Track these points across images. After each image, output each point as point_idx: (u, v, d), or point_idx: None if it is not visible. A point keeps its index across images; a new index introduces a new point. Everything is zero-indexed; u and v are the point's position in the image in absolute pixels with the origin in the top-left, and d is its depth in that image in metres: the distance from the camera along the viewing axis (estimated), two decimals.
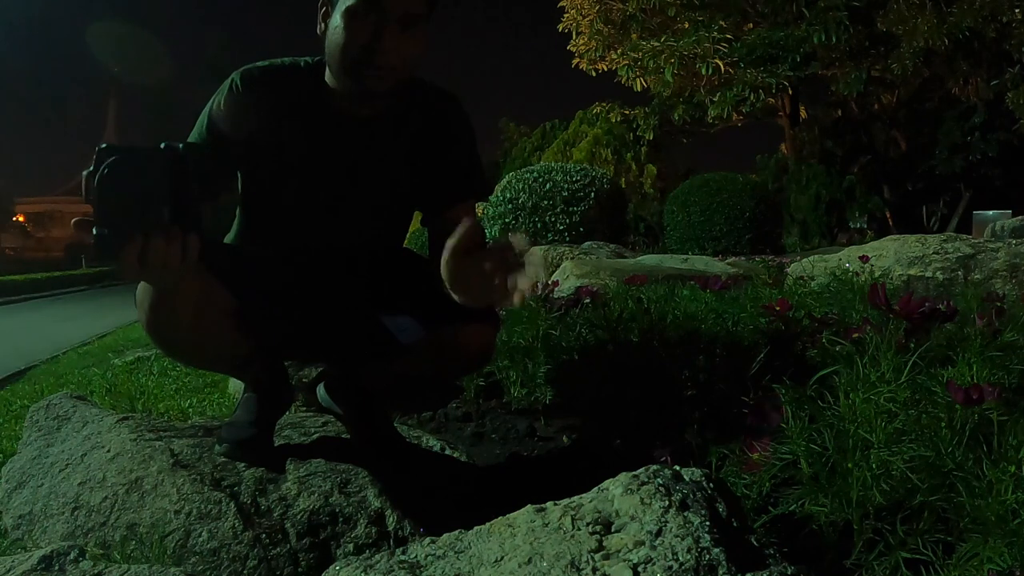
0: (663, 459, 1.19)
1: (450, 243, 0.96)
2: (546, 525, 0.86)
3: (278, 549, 1.10)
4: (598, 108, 19.23)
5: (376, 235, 1.44)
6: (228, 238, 1.44)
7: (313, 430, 1.52)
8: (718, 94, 13.70)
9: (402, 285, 1.41)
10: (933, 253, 3.08)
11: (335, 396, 1.48)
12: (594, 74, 16.79)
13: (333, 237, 1.38)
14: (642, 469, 0.95)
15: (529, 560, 0.81)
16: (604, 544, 0.82)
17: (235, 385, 2.38)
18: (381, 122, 1.32)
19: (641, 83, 15.26)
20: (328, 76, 1.27)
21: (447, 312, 1.20)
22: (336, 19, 1.19)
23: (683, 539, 0.81)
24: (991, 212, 10.71)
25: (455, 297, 1.01)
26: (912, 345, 0.96)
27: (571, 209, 9.18)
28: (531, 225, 9.02)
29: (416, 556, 0.88)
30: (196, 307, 1.17)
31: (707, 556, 0.79)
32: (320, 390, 1.52)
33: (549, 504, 0.91)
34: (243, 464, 1.29)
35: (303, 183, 1.32)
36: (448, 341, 1.33)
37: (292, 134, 1.28)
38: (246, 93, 1.26)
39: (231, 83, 1.26)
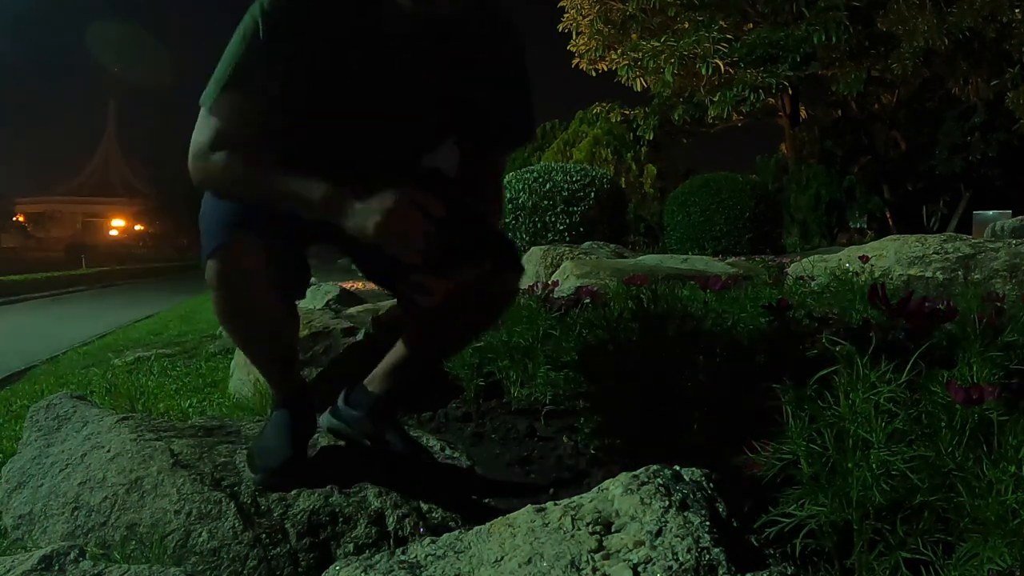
0: (663, 459, 1.18)
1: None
2: (546, 525, 0.86)
3: (278, 549, 1.10)
4: (598, 108, 19.25)
5: (414, 149, 1.38)
6: None
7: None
8: (718, 94, 13.70)
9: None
10: (933, 253, 3.08)
11: (350, 405, 1.42)
12: (594, 74, 16.80)
13: (372, 147, 1.31)
14: (642, 469, 0.95)
15: (529, 560, 0.81)
16: (604, 544, 0.82)
17: (235, 385, 2.38)
18: (437, 35, 1.23)
19: (641, 83, 15.28)
20: None
21: (473, 244, 1.22)
22: None
23: (683, 539, 0.81)
24: (991, 212, 10.72)
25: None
26: (912, 345, 0.96)
27: (571, 209, 9.19)
28: (531, 225, 9.02)
29: (416, 556, 0.88)
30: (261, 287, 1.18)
31: (707, 556, 0.79)
32: (324, 418, 1.46)
33: (549, 504, 0.91)
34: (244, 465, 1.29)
35: (347, 85, 1.23)
36: (479, 279, 1.26)
37: (344, 40, 1.19)
38: None
39: None
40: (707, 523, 0.84)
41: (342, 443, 1.47)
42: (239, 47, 1.16)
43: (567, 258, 4.76)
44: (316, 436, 1.47)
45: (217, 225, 1.18)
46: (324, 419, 1.46)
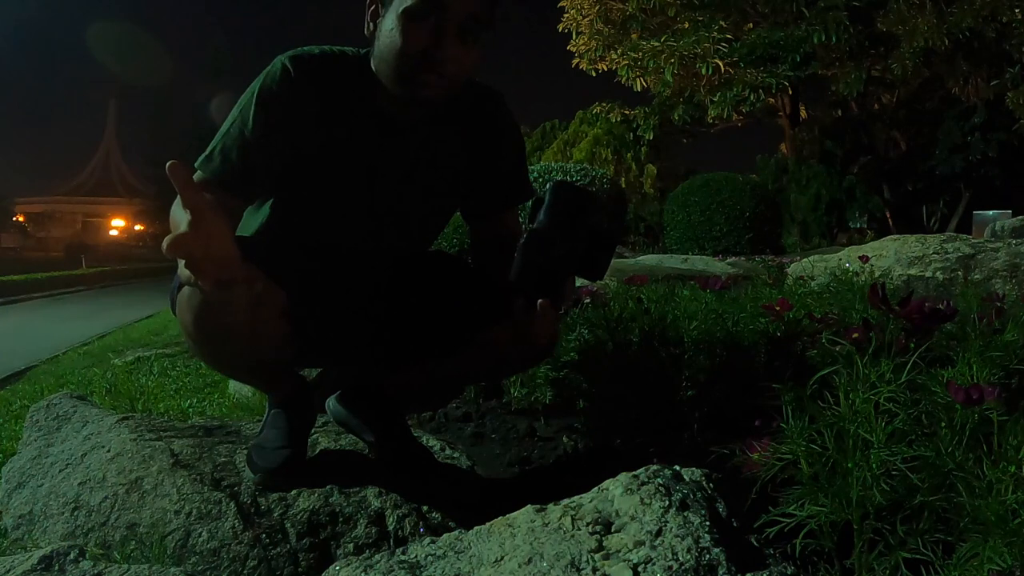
0: (663, 459, 1.18)
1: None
2: (546, 525, 0.86)
3: (278, 549, 1.10)
4: (598, 108, 19.23)
5: (416, 237, 1.39)
6: (248, 231, 1.31)
7: (313, 431, 1.52)
8: (718, 94, 13.70)
9: (445, 286, 1.33)
10: (933, 253, 3.09)
11: (355, 407, 1.38)
12: (594, 74, 16.77)
13: (373, 238, 1.31)
14: (642, 469, 0.95)
15: (529, 560, 0.81)
16: (604, 544, 0.82)
17: (235, 385, 2.38)
18: (429, 124, 1.25)
19: (641, 83, 15.26)
20: (376, 73, 1.19)
21: (502, 307, 1.18)
22: (390, 21, 1.11)
23: (683, 539, 0.81)
24: (991, 212, 10.72)
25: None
26: (912, 345, 0.96)
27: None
28: None
29: (416, 556, 0.88)
30: (253, 308, 1.04)
31: (707, 556, 0.79)
32: (331, 403, 1.43)
33: (549, 504, 0.91)
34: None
35: (345, 182, 1.24)
36: (510, 335, 1.22)
37: (339, 130, 1.20)
38: (300, 79, 1.15)
39: (282, 68, 1.16)
40: (707, 523, 0.84)
41: (342, 443, 1.47)
42: (234, 118, 1.17)
43: None
44: (316, 436, 1.47)
45: None
46: (331, 403, 1.43)
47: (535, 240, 1.10)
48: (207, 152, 1.17)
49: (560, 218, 1.11)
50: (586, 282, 1.58)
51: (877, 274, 2.91)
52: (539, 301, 1.11)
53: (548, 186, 1.13)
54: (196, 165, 1.17)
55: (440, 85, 1.14)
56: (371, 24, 1.17)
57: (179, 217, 0.94)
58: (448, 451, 1.54)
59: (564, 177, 9.30)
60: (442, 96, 1.16)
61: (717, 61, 13.41)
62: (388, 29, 1.12)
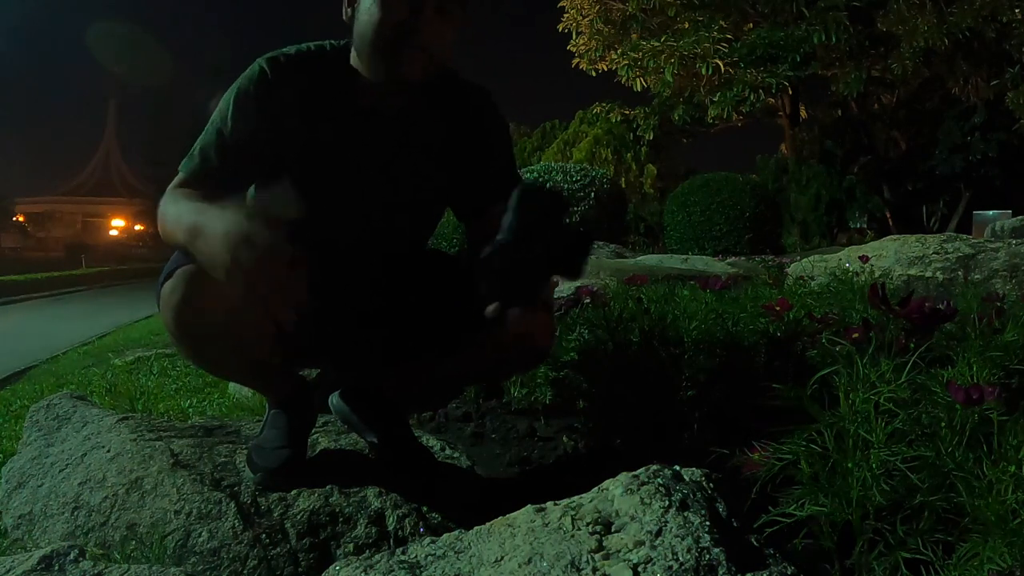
0: (663, 459, 1.18)
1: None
2: (546, 525, 0.86)
3: (278, 549, 1.10)
4: (598, 108, 19.22)
5: (407, 233, 1.39)
6: None
7: (313, 431, 1.52)
8: (718, 94, 13.69)
9: (441, 286, 1.32)
10: (933, 253, 3.09)
11: (355, 406, 1.38)
12: (594, 74, 16.78)
13: (362, 235, 1.31)
14: (642, 469, 0.95)
15: (529, 560, 0.81)
16: (604, 544, 0.82)
17: (235, 386, 2.38)
18: (413, 115, 1.26)
19: (641, 83, 15.25)
20: (356, 62, 1.21)
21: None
22: None
23: (683, 539, 0.81)
24: (991, 212, 10.72)
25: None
26: (912, 345, 0.96)
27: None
28: None
29: (416, 556, 0.88)
30: (238, 308, 1.05)
31: (707, 556, 0.79)
32: (334, 399, 1.43)
33: (549, 504, 0.91)
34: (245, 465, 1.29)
35: (330, 177, 1.24)
36: (505, 338, 1.20)
37: (321, 126, 1.21)
38: (277, 81, 1.17)
39: (259, 71, 1.18)
40: (707, 523, 0.84)
41: (342, 443, 1.47)
42: (214, 120, 1.19)
43: None
44: (316, 436, 1.47)
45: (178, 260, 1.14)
46: (334, 400, 1.43)
47: (498, 256, 1.02)
48: (189, 153, 1.20)
49: (525, 231, 1.02)
50: (586, 282, 1.57)
51: (877, 274, 2.91)
52: (509, 311, 1.05)
53: (513, 194, 1.04)
54: (180, 168, 1.20)
55: (420, 61, 1.15)
56: (348, 9, 1.19)
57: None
58: (448, 451, 1.54)
59: (564, 176, 9.31)
60: (423, 73, 1.17)
61: (717, 61, 13.41)
62: (367, 6, 1.14)
